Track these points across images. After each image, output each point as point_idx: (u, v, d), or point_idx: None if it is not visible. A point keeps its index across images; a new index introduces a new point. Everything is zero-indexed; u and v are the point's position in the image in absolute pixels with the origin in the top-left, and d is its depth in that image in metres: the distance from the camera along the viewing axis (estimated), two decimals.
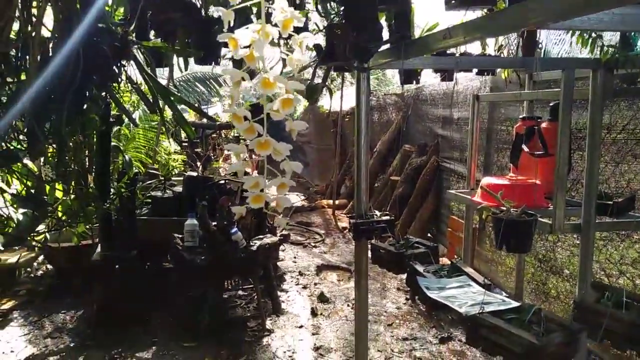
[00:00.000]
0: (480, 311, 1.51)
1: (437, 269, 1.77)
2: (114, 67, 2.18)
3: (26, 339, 3.73)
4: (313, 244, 6.43)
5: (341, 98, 7.62)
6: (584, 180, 2.59)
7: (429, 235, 5.80)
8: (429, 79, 5.92)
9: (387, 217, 2.24)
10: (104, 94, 2.36)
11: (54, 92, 1.71)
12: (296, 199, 9.56)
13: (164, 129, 5.77)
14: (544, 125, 3.43)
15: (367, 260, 2.43)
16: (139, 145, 5.77)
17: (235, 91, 0.73)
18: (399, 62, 2.03)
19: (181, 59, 3.30)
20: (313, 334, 3.88)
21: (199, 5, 2.11)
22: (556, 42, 3.90)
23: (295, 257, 5.82)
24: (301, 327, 4.01)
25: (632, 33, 2.56)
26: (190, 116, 9.65)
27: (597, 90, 2.47)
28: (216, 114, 11.08)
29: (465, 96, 5.33)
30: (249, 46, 0.68)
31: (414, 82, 4.58)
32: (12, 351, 3.53)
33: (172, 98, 2.44)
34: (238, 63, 3.38)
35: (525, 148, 3.52)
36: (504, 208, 2.57)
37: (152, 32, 2.08)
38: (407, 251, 1.93)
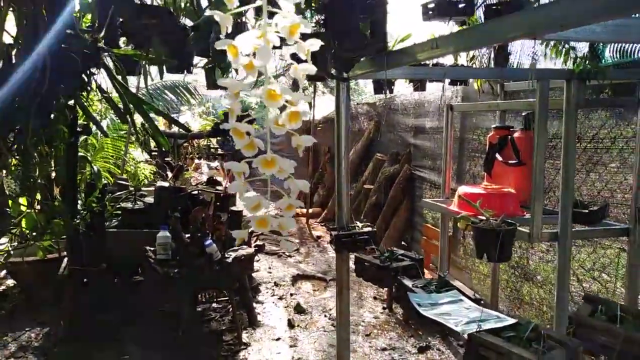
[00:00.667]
0: (478, 329, 1.48)
1: (426, 283, 1.73)
2: (83, 75, 2.10)
3: None
4: (288, 254, 6.35)
5: (313, 107, 7.60)
6: (560, 189, 2.62)
7: (403, 243, 5.82)
8: (402, 89, 5.96)
9: (369, 229, 2.21)
10: (71, 102, 2.27)
11: (19, 102, 1.61)
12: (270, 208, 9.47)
13: (133, 138, 5.62)
14: (516, 134, 3.49)
15: (348, 272, 2.40)
16: (107, 155, 5.60)
17: (235, 103, 0.68)
18: (380, 72, 2.01)
19: (154, 67, 3.22)
20: (291, 347, 3.81)
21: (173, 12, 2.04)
22: (528, 54, 3.97)
23: (270, 268, 5.73)
24: (278, 339, 3.93)
25: (600, 45, 2.62)
26: (159, 125, 9.46)
27: (571, 101, 2.51)
28: (186, 122, 10.90)
29: (436, 106, 5.39)
30: (249, 54, 0.63)
31: (388, 91, 4.62)
32: None
33: (145, 107, 2.36)
34: (210, 73, 3.29)
35: (498, 157, 3.58)
36: (483, 217, 2.58)
37: (125, 39, 1.99)
38: (392, 264, 1.89)
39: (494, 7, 2.03)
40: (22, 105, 1.56)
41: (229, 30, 0.64)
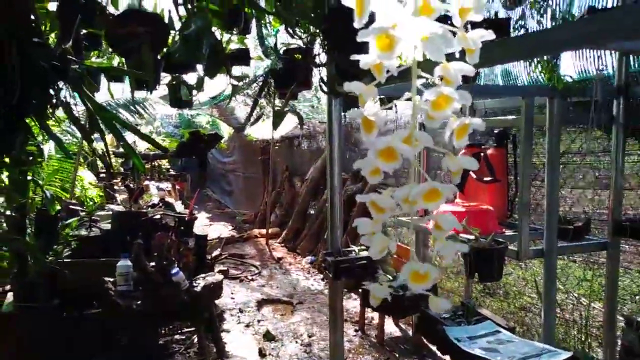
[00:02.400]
0: None
1: (453, 312, 1.62)
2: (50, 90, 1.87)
3: None
4: (250, 277, 6.11)
5: (273, 126, 7.45)
6: (545, 205, 2.61)
7: None
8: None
9: (367, 253, 2.08)
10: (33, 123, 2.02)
11: None
12: (225, 230, 9.17)
13: (82, 160, 5.24)
14: (489, 151, 3.51)
15: (341, 299, 2.26)
16: (54, 178, 5.17)
17: (369, 121, 0.55)
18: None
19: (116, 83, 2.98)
20: None
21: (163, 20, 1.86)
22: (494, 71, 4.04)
23: (232, 293, 5.47)
24: None
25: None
26: (110, 144, 8.97)
27: (554, 117, 2.52)
28: (134, 142, 10.41)
29: (400, 124, 5.40)
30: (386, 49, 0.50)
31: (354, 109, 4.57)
32: None
33: (117, 123, 2.14)
34: (174, 90, 3.08)
35: (472, 174, 3.58)
36: (470, 236, 2.53)
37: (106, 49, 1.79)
38: (406, 293, 1.78)
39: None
40: None
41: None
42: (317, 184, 7.59)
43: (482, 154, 3.53)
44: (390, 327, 4.43)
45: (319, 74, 2.10)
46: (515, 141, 3.48)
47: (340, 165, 2.21)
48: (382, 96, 3.88)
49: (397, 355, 3.93)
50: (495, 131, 3.55)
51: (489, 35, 0.53)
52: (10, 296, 3.77)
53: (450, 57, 0.52)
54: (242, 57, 3.00)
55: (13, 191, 2.49)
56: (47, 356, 3.38)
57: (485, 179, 3.45)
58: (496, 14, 2.34)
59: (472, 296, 4.27)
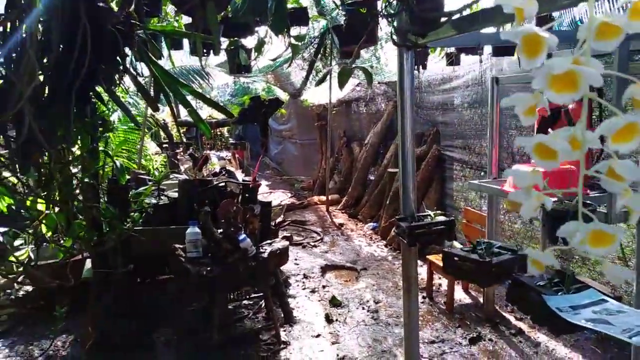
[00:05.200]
0: None
1: (549, 280, 1.49)
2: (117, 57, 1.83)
3: None
4: (312, 244, 6.13)
5: (330, 89, 7.31)
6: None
7: None
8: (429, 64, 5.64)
9: (445, 218, 1.96)
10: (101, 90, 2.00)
11: (57, 88, 1.35)
12: (284, 197, 9.24)
13: (147, 130, 5.35)
14: (571, 105, 3.22)
15: (416, 266, 2.16)
16: (121, 149, 5.33)
17: (536, 40, 0.43)
18: (450, 38, 1.74)
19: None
20: (333, 343, 3.59)
21: None
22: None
23: (296, 259, 5.50)
24: (318, 336, 3.71)
25: None
26: (166, 115, 9.18)
27: None
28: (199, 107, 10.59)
29: (465, 81, 5.11)
30: None
31: (421, 67, 4.34)
32: None
33: (184, 90, 2.10)
34: (232, 55, 3.00)
35: (551, 130, 3.32)
36: (554, 199, 2.33)
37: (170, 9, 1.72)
38: (493, 259, 1.65)
39: None
40: (61, 93, 1.30)
41: None
42: (377, 149, 7.43)
43: (562, 109, 3.26)
44: (459, 294, 4.30)
45: (389, 26, 1.94)
46: (602, 93, 3.18)
47: (412, 124, 2.07)
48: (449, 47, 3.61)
49: (469, 323, 3.81)
50: None
51: None
52: (88, 263, 3.96)
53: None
54: (301, 16, 2.87)
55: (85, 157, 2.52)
56: (122, 320, 3.53)
57: None
58: None
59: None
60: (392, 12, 1.79)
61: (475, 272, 1.69)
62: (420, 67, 4.21)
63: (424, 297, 4.31)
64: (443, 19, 1.60)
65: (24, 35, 1.27)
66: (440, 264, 4.01)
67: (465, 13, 1.59)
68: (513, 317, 3.86)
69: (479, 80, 4.73)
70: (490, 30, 3.15)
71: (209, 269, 3.34)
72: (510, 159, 4.52)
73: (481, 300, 4.16)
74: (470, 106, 5.04)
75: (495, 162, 3.53)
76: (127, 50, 1.87)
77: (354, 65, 2.16)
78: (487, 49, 4.26)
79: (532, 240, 4.32)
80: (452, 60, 4.09)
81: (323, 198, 8.12)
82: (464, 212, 4.38)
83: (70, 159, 2.24)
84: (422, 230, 1.88)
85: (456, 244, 3.46)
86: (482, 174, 4.83)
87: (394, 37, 1.86)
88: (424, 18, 1.57)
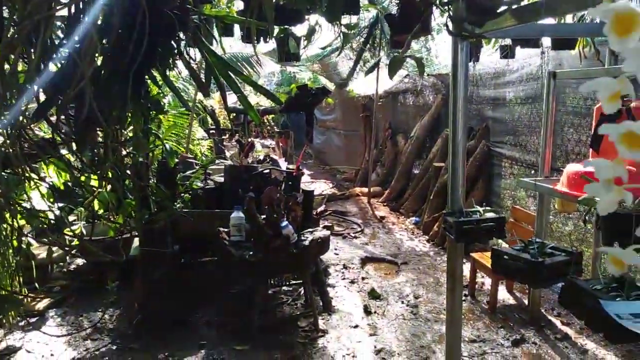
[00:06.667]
0: None
1: (605, 284, 1.42)
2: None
3: (65, 340, 3.49)
4: (353, 235, 6.11)
5: (377, 80, 7.23)
6: None
7: None
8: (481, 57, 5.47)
9: (494, 215, 1.90)
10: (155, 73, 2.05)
11: (115, 69, 1.39)
12: (326, 187, 9.25)
13: (196, 115, 5.46)
14: (633, 104, 3.05)
15: (462, 264, 2.11)
16: (171, 132, 5.48)
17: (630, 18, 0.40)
18: (509, 28, 1.67)
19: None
20: (371, 335, 3.58)
21: None
22: None
23: (336, 249, 5.51)
24: (356, 327, 3.71)
25: None
26: (215, 103, 9.35)
27: None
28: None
29: (520, 75, 4.92)
30: None
31: (473, 60, 4.21)
32: (52, 354, 3.29)
33: (237, 77, 2.12)
34: (281, 43, 2.99)
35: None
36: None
37: None
38: (546, 259, 1.59)
39: None
40: (120, 73, 1.33)
41: None
42: (423, 142, 7.31)
43: (623, 107, 3.09)
44: (503, 294, 4.19)
45: (444, 14, 1.88)
46: None
47: (465, 118, 2.01)
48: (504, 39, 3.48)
49: (512, 324, 3.70)
50: None
51: None
52: (136, 241, 4.10)
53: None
54: (352, 5, 2.83)
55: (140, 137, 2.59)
56: (166, 297, 3.64)
57: None
58: None
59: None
60: (445, 1, 1.73)
61: (527, 272, 1.62)
62: (472, 59, 4.08)
63: (465, 295, 4.22)
64: (503, 8, 1.53)
65: (87, 18, 1.31)
66: (484, 261, 3.92)
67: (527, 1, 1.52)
68: (559, 321, 3.73)
69: (535, 75, 4.54)
70: (550, 21, 3.02)
71: (251, 253, 3.40)
72: (564, 158, 4.34)
73: (526, 301, 4.04)
74: (523, 102, 4.86)
75: (548, 161, 3.39)
76: (181, 35, 1.90)
77: (405, 55, 2.11)
78: (545, 42, 4.09)
79: (583, 243, 4.15)
80: (507, 52, 3.95)
81: (365, 190, 8.08)
82: (512, 210, 4.24)
83: (123, 139, 2.31)
84: (470, 226, 1.83)
85: (502, 242, 3.35)
86: (533, 172, 4.66)
87: (449, 25, 1.81)
88: (483, 6, 1.51)
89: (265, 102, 10.19)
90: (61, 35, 1.47)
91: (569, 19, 3.11)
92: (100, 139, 1.72)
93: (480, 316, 3.86)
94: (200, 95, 5.91)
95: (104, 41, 1.39)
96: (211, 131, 7.90)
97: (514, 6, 1.51)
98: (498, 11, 1.53)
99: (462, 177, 2.06)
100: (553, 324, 3.70)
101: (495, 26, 1.63)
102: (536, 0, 1.40)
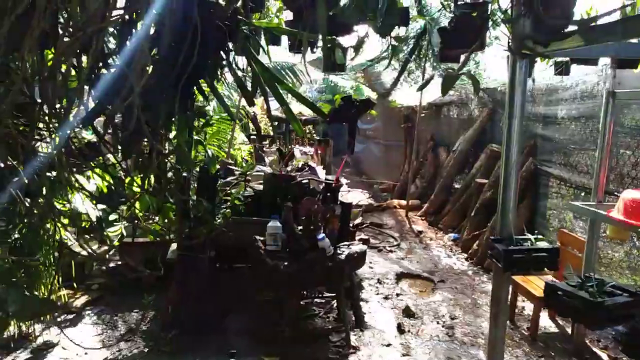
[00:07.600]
0: None
1: None
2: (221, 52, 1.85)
3: (99, 339, 3.55)
4: (389, 248, 6.00)
5: (421, 92, 7.11)
6: None
7: None
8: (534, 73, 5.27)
9: (547, 245, 1.79)
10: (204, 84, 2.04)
11: (164, 80, 1.37)
12: (362, 197, 9.16)
13: (238, 122, 5.50)
14: None
15: (508, 291, 2.00)
16: (214, 139, 5.53)
17: None
18: (576, 48, 1.56)
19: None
20: (403, 355, 3.47)
21: None
22: None
23: (371, 262, 5.41)
24: (389, 345, 3.61)
25: None
26: (258, 109, 9.42)
27: None
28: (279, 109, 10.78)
29: (574, 93, 4.72)
30: None
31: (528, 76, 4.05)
32: (85, 353, 3.34)
33: (281, 87, 2.09)
34: (328, 53, 2.94)
35: None
36: None
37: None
38: (606, 300, 1.47)
39: None
40: (168, 84, 1.32)
41: None
42: (466, 157, 7.12)
43: None
44: (545, 321, 4.00)
45: (507, 32, 1.80)
46: None
47: (520, 138, 1.91)
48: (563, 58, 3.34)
49: (553, 354, 3.52)
50: None
51: None
52: (174, 245, 4.13)
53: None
54: (402, 17, 2.77)
55: (184, 150, 2.61)
56: (200, 303, 3.65)
57: None
58: None
59: None
60: (511, 17, 1.65)
61: (584, 312, 1.51)
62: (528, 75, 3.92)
63: None
64: (572, 27, 1.44)
65: (139, 29, 1.31)
66: (527, 286, 3.74)
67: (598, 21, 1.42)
68: (606, 355, 3.51)
69: (590, 93, 4.34)
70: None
71: (286, 263, 3.36)
72: (617, 181, 4.11)
73: (569, 330, 3.83)
74: (576, 120, 4.65)
75: (602, 185, 3.22)
76: (229, 45, 1.88)
77: (460, 73, 2.03)
78: (602, 60, 3.89)
79: (636, 272, 3.91)
80: (562, 69, 3.77)
81: (403, 202, 7.94)
82: (559, 234, 4.05)
83: (167, 150, 2.32)
84: (521, 255, 1.73)
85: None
86: (583, 194, 4.45)
87: (510, 43, 1.72)
88: (551, 26, 1.42)
89: (307, 111, 10.19)
90: (113, 45, 1.47)
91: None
92: (144, 149, 1.73)
93: (520, 343, 3.69)
94: (243, 101, 5.95)
95: (153, 52, 1.38)
96: (252, 137, 7.95)
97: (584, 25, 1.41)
98: (565, 31, 1.43)
99: (514, 201, 1.96)
100: (598, 356, 3.49)
101: (560, 46, 1.54)
102: (612, 21, 1.31)
